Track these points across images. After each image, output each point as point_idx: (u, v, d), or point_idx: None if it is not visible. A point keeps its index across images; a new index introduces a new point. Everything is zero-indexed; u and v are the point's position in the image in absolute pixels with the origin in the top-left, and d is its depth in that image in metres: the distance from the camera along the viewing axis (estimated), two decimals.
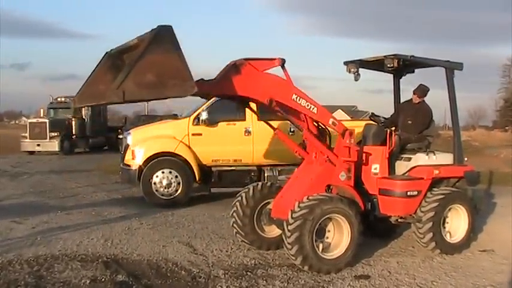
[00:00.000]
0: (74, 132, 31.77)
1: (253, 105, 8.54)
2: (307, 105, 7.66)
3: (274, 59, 7.48)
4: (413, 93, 9.33)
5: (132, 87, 6.07)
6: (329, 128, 8.16)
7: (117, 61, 6.79)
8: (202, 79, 6.99)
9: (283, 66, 7.51)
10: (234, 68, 7.27)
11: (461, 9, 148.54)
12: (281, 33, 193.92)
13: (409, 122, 9.11)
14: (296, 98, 7.56)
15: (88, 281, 6.75)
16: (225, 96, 7.87)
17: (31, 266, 7.36)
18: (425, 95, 9.24)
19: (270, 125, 8.81)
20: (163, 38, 6.23)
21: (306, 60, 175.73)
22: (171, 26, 6.33)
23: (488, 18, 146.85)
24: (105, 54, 6.96)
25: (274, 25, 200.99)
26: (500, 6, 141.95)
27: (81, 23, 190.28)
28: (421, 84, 9.31)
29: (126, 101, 6.24)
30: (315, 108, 7.74)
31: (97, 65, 6.89)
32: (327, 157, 7.96)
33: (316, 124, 8.18)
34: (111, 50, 6.97)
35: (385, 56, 8.44)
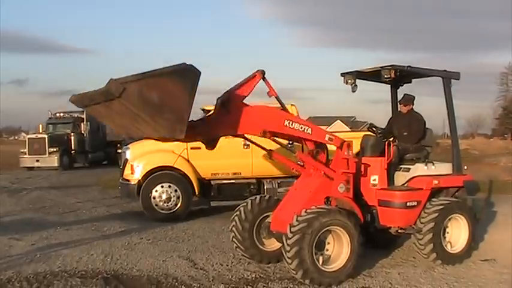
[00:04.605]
0: (73, 148, 31.68)
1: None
2: (301, 128, 7.70)
3: (255, 76, 7.58)
4: (400, 104, 9.34)
5: (133, 90, 6.03)
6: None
7: None
8: (192, 120, 6.94)
9: (264, 78, 7.61)
10: (222, 107, 7.29)
11: (458, 18, 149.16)
12: (279, 45, 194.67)
13: (405, 133, 9.09)
14: (289, 123, 7.60)
15: None
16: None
17: (30, 284, 7.32)
18: (412, 103, 9.24)
19: (263, 147, 8.65)
20: (187, 76, 6.28)
21: (303, 71, 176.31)
22: (200, 72, 6.37)
23: (486, 26, 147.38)
24: None
25: (272, 37, 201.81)
26: (497, 14, 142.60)
27: (79, 38, 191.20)
28: (405, 94, 9.33)
29: (115, 98, 6.07)
30: (309, 129, 7.79)
31: None
32: (324, 173, 7.98)
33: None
34: None
35: (381, 67, 8.46)
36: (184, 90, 6.22)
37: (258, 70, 7.60)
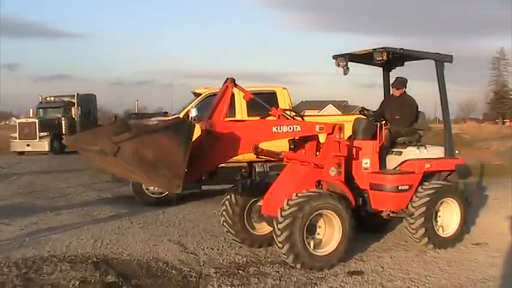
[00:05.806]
0: (64, 132, 31.40)
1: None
2: (290, 129, 7.68)
3: (227, 87, 7.66)
4: (392, 87, 9.28)
5: (128, 149, 5.94)
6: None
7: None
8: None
9: (236, 85, 7.72)
10: (209, 136, 7.17)
11: (452, 2, 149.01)
12: (271, 28, 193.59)
13: (397, 117, 9.05)
14: (277, 128, 7.56)
15: (77, 283, 6.65)
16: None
17: (19, 269, 7.25)
18: (405, 86, 9.18)
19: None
20: (181, 130, 6.19)
21: (295, 55, 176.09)
22: (194, 125, 6.31)
23: (479, 11, 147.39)
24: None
25: (264, 21, 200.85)
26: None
27: (69, 23, 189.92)
28: (397, 77, 9.28)
29: (112, 156, 6.01)
30: (298, 127, 7.76)
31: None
32: (314, 165, 7.95)
33: None
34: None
35: (374, 49, 8.40)
36: (179, 145, 6.14)
37: (228, 79, 7.69)
